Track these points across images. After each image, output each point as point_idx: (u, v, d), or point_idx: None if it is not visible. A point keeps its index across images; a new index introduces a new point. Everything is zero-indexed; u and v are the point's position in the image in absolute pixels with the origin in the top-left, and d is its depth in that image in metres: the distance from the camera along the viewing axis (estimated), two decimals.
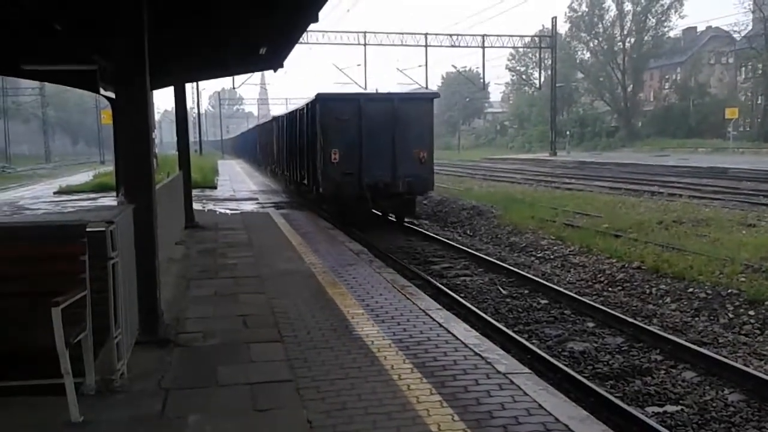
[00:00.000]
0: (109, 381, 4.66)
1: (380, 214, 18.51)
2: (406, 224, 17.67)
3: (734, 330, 8.50)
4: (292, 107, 21.22)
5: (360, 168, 16.86)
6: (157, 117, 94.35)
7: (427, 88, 60.22)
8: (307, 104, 19.03)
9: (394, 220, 18.26)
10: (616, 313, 8.98)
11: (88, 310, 4.29)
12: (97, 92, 11.00)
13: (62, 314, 3.87)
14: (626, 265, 11.65)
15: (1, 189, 29.46)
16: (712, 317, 9.03)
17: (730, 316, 8.94)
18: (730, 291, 9.58)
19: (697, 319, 9.06)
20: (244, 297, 7.61)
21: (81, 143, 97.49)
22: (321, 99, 17.43)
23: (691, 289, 10.02)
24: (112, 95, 9.00)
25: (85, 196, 23.43)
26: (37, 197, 23.81)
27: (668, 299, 9.96)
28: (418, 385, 4.76)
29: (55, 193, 24.94)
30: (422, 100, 18.72)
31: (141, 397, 4.59)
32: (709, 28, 72.52)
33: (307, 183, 19.33)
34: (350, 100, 18.04)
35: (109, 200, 20.14)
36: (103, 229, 4.54)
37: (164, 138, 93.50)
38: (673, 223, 15.00)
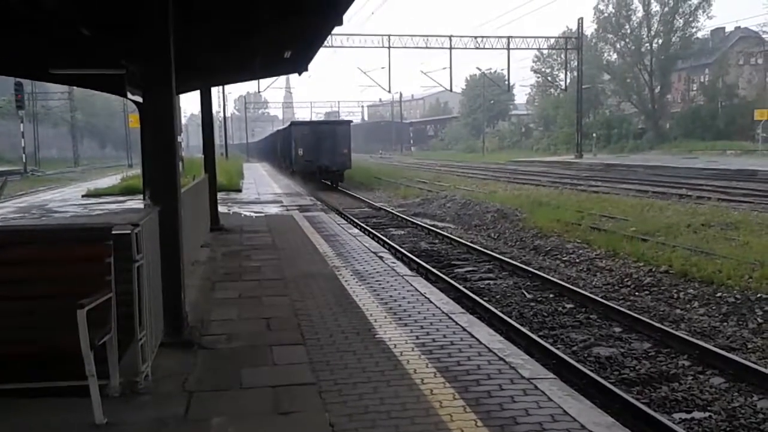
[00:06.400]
0: (133, 383, 4.69)
1: (329, 183, 33.81)
2: (434, 229, 18.13)
3: (763, 335, 8.35)
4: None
5: (313, 158, 33.30)
6: (183, 120, 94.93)
7: (451, 90, 60.54)
8: (287, 126, 39.79)
9: (334, 186, 33.31)
10: (643, 318, 8.87)
11: (113, 312, 4.33)
12: (125, 96, 11.07)
13: (87, 316, 3.90)
14: (653, 269, 11.51)
15: (30, 192, 29.87)
16: (740, 322, 8.89)
17: (759, 321, 8.79)
18: (759, 295, 9.44)
19: (725, 324, 8.92)
20: (267, 299, 7.63)
21: (109, 147, 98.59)
22: (293, 123, 38.67)
23: (719, 294, 9.88)
24: (140, 99, 9.08)
25: (112, 199, 23.65)
26: (65, 200, 24.10)
27: (696, 304, 9.82)
28: (441, 389, 4.73)
29: (83, 196, 25.20)
30: (345, 123, 37.82)
31: (165, 399, 4.62)
32: (737, 28, 71.34)
33: (288, 165, 36.96)
34: (309, 123, 43.62)
35: (136, 203, 20.33)
36: (129, 231, 4.58)
37: (191, 141, 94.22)
38: (701, 226, 14.79)
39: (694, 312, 9.53)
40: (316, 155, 33.30)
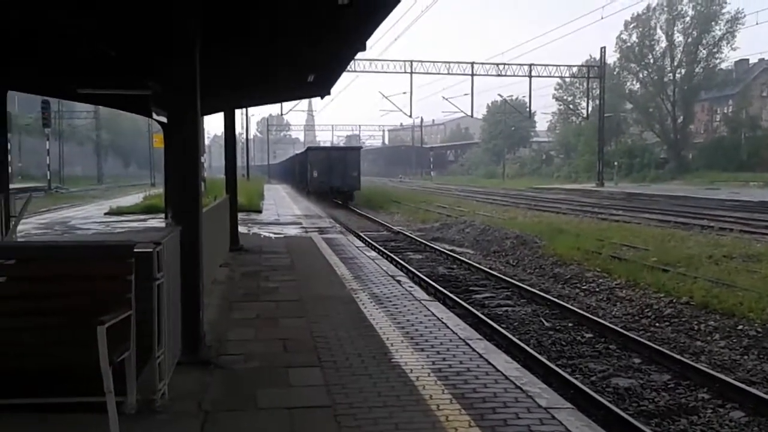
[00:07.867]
0: (150, 401, 4.70)
1: (339, 202, 38.04)
2: (452, 254, 18.13)
3: None
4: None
5: (327, 179, 38.97)
6: (207, 141, 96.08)
7: (472, 116, 60.78)
8: (304, 150, 46.61)
9: (344, 204, 37.39)
10: (663, 350, 8.77)
11: (133, 330, 4.35)
12: (150, 116, 11.30)
13: (107, 333, 3.92)
14: (674, 300, 11.39)
15: (54, 208, 30.24)
16: (762, 356, 8.76)
17: None
18: None
19: (746, 357, 8.79)
20: (284, 321, 7.65)
21: (133, 165, 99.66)
22: (310, 149, 45.85)
23: (740, 326, 9.76)
24: (164, 120, 9.24)
25: (134, 217, 23.88)
26: (88, 217, 24.38)
27: (717, 336, 9.70)
28: (456, 416, 4.69)
29: (105, 213, 25.47)
30: (355, 149, 45.15)
31: (181, 418, 4.64)
32: (761, 60, 71.03)
33: (304, 186, 42.63)
34: (324, 149, 50.26)
35: (157, 222, 20.52)
36: (151, 250, 4.62)
37: (213, 162, 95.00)
38: (723, 258, 14.63)
39: (714, 344, 9.41)
40: (329, 177, 39.06)
